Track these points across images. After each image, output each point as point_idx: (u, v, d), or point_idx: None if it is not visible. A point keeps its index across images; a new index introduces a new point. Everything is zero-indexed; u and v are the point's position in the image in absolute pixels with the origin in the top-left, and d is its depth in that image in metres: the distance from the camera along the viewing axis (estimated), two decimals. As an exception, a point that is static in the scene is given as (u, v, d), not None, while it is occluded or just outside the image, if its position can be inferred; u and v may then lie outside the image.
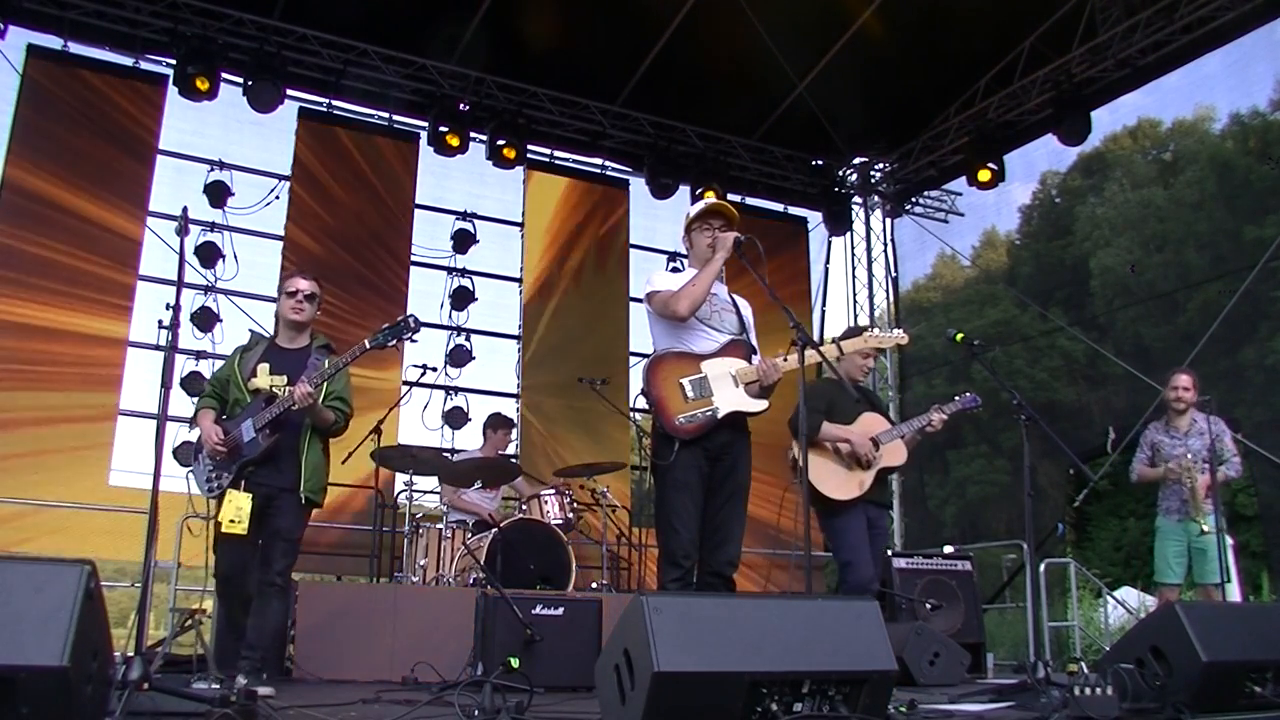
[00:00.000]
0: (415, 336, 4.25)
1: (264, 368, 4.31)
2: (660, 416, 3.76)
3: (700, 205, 4.18)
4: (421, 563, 6.21)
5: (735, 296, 4.15)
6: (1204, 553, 5.59)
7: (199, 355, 8.20)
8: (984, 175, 9.48)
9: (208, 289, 8.36)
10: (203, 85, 7.88)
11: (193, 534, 4.82)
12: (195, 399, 4.26)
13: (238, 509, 4.03)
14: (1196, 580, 5.72)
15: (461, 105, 9.06)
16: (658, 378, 3.81)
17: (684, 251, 4.33)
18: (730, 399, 3.78)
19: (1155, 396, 8.20)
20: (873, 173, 11.05)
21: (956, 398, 4.94)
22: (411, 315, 4.27)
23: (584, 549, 7.54)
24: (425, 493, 7.31)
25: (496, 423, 7.25)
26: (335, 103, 9.07)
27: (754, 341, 4.04)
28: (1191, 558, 5.68)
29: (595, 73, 9.37)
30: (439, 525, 6.36)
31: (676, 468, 3.72)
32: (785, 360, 3.81)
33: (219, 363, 8.18)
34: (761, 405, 3.83)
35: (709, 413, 3.75)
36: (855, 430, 4.72)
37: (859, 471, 4.69)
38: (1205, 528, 5.53)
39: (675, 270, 5.80)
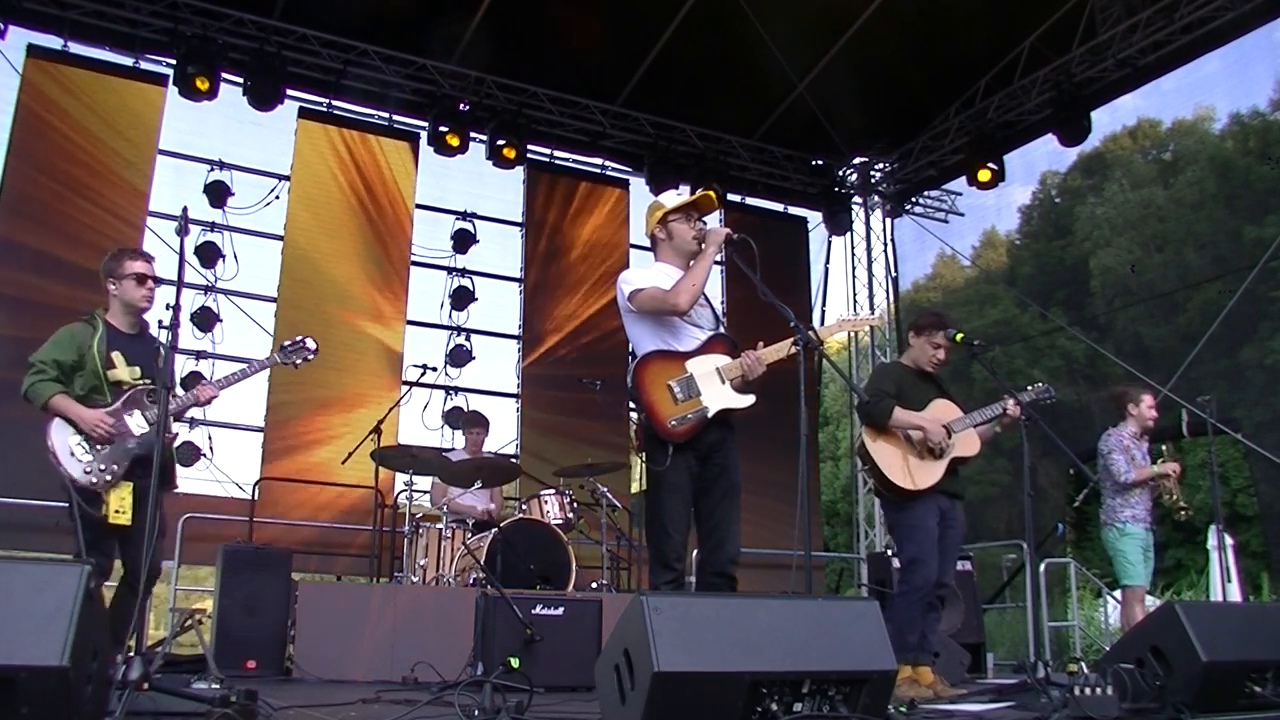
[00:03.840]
0: (310, 359, 4.55)
1: (118, 357, 4.20)
2: (652, 421, 3.70)
3: (681, 198, 4.08)
4: (421, 563, 6.21)
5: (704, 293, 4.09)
6: (1149, 562, 5.88)
7: (199, 355, 8.20)
8: (984, 175, 9.49)
9: (208, 289, 8.36)
10: (202, 85, 7.89)
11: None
12: (33, 381, 4.02)
13: (121, 499, 4.05)
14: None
15: (461, 105, 9.06)
16: (645, 381, 3.75)
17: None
18: (719, 397, 3.75)
19: (1156, 397, 8.22)
20: (873, 173, 11.05)
21: (1030, 387, 4.70)
22: (309, 339, 4.56)
23: (584, 549, 7.54)
24: (425, 492, 7.32)
25: (470, 421, 7.33)
26: (335, 103, 9.07)
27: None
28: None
29: (595, 73, 9.37)
30: (439, 525, 6.36)
31: (670, 471, 3.68)
32: (779, 352, 3.77)
33: (219, 363, 8.26)
34: (748, 400, 3.79)
35: (699, 413, 3.71)
36: (927, 417, 4.56)
37: (930, 461, 4.51)
38: (1182, 504, 5.87)
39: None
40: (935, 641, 4.76)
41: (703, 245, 3.90)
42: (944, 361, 4.83)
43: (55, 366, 4.09)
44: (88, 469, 4.01)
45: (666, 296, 3.78)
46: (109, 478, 4.02)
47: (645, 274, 3.94)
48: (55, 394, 4.05)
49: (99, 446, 4.04)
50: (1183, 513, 5.86)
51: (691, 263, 3.89)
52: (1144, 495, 5.87)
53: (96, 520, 3.97)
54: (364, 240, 9.00)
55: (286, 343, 4.61)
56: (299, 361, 4.57)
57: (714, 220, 4.10)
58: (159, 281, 4.34)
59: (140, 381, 4.21)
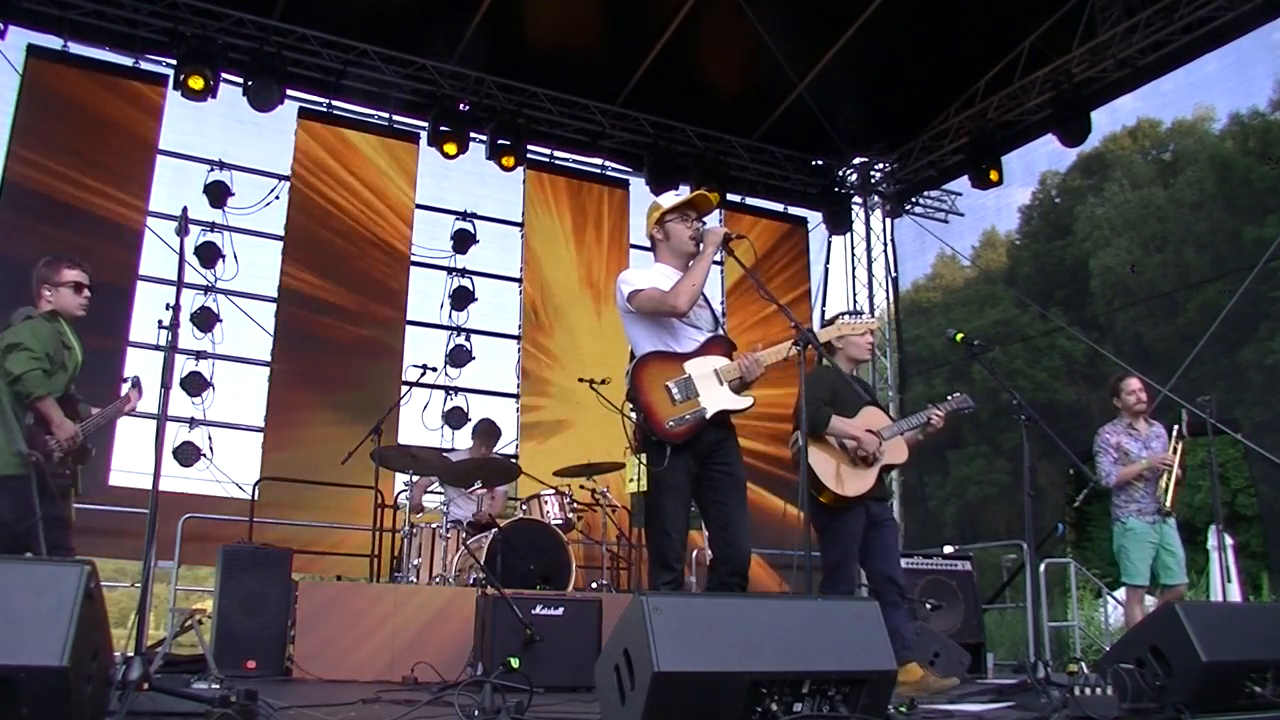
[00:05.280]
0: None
1: None
2: (650, 422, 3.69)
3: (679, 197, 4.07)
4: (415, 562, 6.21)
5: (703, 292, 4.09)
6: (1174, 554, 5.63)
7: (199, 355, 8.20)
8: (994, 175, 9.53)
9: (208, 289, 8.36)
10: (196, 84, 7.86)
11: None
12: (35, 369, 4.03)
13: (70, 504, 4.28)
14: (1164, 583, 5.70)
15: (461, 105, 9.06)
16: (643, 382, 3.75)
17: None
18: (716, 398, 3.75)
19: (1155, 397, 8.22)
20: (873, 173, 11.06)
21: (950, 397, 4.91)
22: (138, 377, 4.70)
23: (584, 549, 7.54)
24: (424, 493, 7.32)
25: (484, 430, 7.32)
26: (335, 103, 9.07)
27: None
28: (1159, 559, 5.66)
29: (595, 73, 9.37)
30: (437, 525, 6.36)
31: (668, 471, 3.68)
32: (778, 354, 3.79)
33: (219, 363, 8.27)
34: (746, 402, 3.79)
35: (697, 414, 3.70)
36: (859, 424, 4.68)
37: (863, 468, 4.64)
38: (1168, 505, 5.64)
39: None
40: (911, 635, 4.87)
41: (700, 246, 3.90)
42: (873, 343, 5.02)
43: (50, 362, 4.10)
44: (56, 474, 4.13)
45: (665, 297, 3.77)
46: (66, 481, 4.20)
47: (644, 274, 3.93)
48: (47, 394, 4.07)
49: (61, 454, 4.16)
50: (1169, 509, 5.62)
51: (690, 263, 3.89)
52: (1150, 487, 5.67)
53: (62, 520, 4.10)
54: (364, 240, 9.00)
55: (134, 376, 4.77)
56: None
57: (712, 220, 4.10)
58: (92, 291, 4.39)
59: (73, 393, 4.38)
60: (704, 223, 3.99)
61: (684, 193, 4.15)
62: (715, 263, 3.98)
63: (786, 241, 10.80)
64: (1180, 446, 5.73)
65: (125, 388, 4.64)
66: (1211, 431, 5.73)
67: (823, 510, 4.62)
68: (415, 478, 6.91)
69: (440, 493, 7.21)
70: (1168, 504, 5.63)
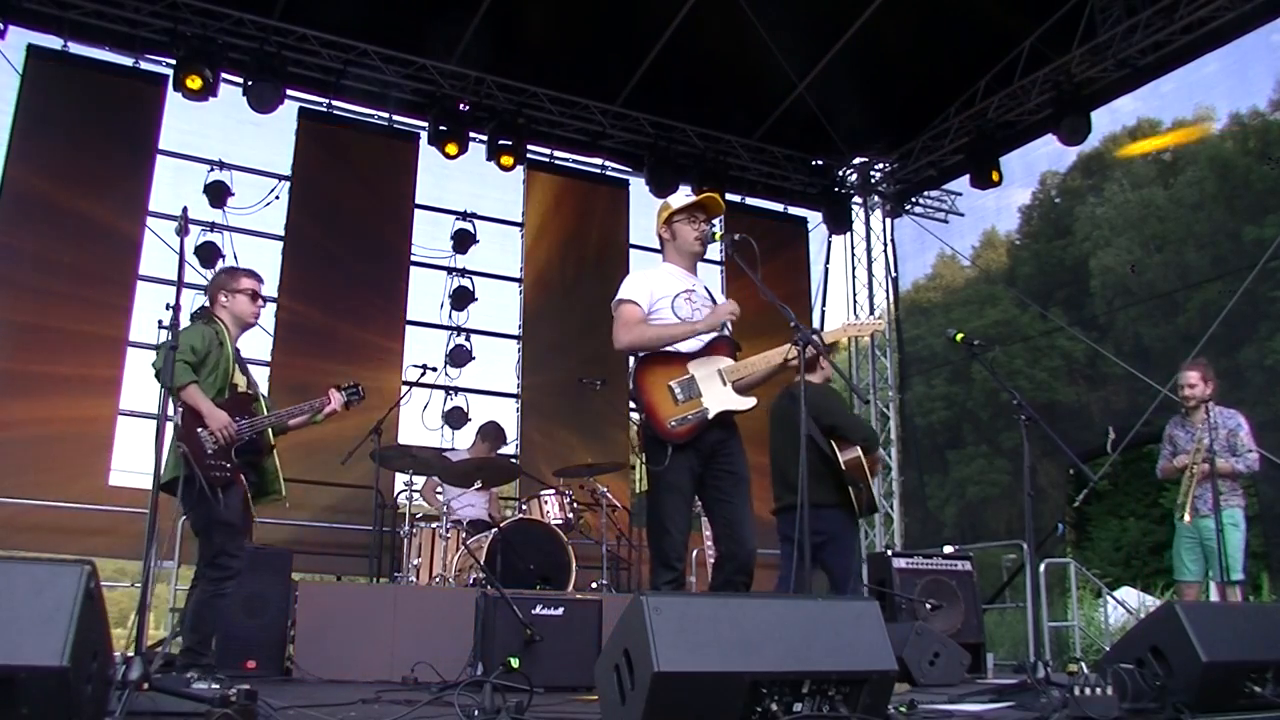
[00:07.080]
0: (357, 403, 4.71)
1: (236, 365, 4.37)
2: (651, 421, 3.71)
3: (688, 199, 4.07)
4: (414, 562, 6.21)
5: (710, 289, 4.09)
6: (1214, 550, 5.59)
7: (199, 355, 8.19)
8: (995, 175, 9.54)
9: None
10: (194, 84, 7.83)
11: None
12: (177, 359, 3.96)
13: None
14: (1211, 578, 5.73)
15: (461, 105, 9.06)
16: (645, 382, 3.77)
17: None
18: (719, 399, 3.75)
19: (1155, 396, 8.23)
20: (873, 173, 11.05)
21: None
22: (362, 385, 4.70)
23: (584, 549, 7.54)
24: (434, 493, 7.32)
25: (488, 432, 7.34)
26: (335, 103, 9.07)
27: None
28: (1206, 555, 5.69)
29: (595, 73, 9.37)
30: (435, 525, 6.36)
31: (670, 470, 3.69)
32: (780, 355, 3.81)
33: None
34: (750, 403, 3.80)
35: (699, 414, 3.71)
36: None
37: None
38: (1186, 517, 5.63)
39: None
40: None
41: (703, 246, 3.93)
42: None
43: (193, 353, 4.13)
44: (212, 465, 4.09)
45: (625, 327, 3.84)
46: (220, 473, 4.12)
47: (637, 286, 3.96)
48: (192, 382, 4.09)
49: (215, 445, 4.13)
50: (1183, 514, 5.63)
51: (682, 316, 3.86)
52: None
53: (225, 523, 4.09)
54: (364, 240, 9.00)
55: (346, 385, 4.72)
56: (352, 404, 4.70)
57: (718, 225, 4.10)
58: (266, 301, 4.48)
59: (248, 390, 4.36)
60: (712, 224, 4.00)
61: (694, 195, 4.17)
62: (716, 262, 4.00)
63: (786, 241, 10.79)
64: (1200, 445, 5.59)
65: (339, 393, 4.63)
66: (1211, 431, 5.73)
67: (855, 525, 5.05)
68: (422, 480, 6.92)
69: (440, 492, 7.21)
70: (1186, 514, 5.61)
